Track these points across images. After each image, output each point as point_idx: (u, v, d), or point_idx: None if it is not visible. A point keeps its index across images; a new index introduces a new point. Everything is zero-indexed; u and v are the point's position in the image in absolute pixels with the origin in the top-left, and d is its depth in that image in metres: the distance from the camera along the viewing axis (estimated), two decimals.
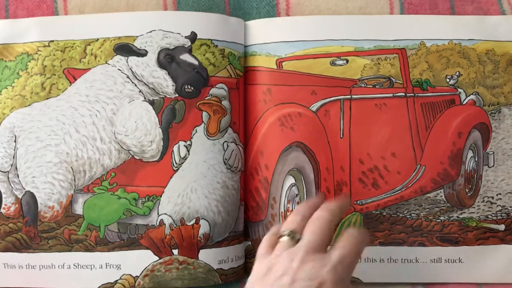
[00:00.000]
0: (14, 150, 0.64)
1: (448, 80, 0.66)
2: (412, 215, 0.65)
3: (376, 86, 0.66)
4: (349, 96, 0.66)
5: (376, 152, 0.65)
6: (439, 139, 0.66)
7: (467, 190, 0.66)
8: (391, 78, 0.66)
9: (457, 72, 0.66)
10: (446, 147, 0.66)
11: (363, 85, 0.66)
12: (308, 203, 0.53)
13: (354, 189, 0.65)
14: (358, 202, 0.65)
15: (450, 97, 0.67)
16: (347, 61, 0.66)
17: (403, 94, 0.66)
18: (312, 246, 0.47)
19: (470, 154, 0.67)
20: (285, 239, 0.49)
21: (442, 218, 0.65)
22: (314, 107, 0.65)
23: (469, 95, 0.66)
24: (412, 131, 0.66)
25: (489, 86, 0.66)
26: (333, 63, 0.66)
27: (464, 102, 0.67)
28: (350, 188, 0.65)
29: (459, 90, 0.67)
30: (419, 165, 0.65)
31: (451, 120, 0.67)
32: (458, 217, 0.65)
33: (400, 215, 0.65)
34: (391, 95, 0.66)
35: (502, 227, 0.64)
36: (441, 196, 0.66)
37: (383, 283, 0.64)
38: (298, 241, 0.48)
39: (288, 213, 0.65)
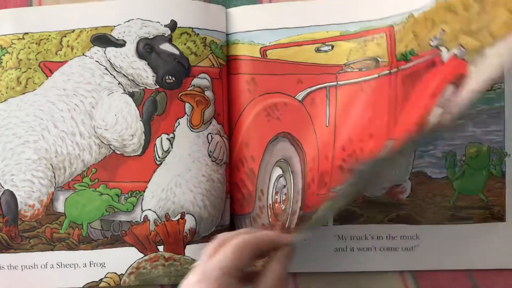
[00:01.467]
0: None
1: (431, 42, 0.60)
2: None
3: (363, 70, 0.64)
4: (334, 83, 0.64)
5: (357, 136, 0.62)
6: (412, 109, 0.60)
7: None
8: (377, 58, 0.63)
9: (441, 30, 0.59)
10: (416, 114, 0.58)
11: (349, 70, 0.64)
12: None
13: (334, 178, 0.62)
14: (332, 190, 0.62)
15: (430, 60, 0.60)
16: (332, 46, 0.64)
17: (388, 71, 0.62)
18: (219, 267, 0.44)
19: (439, 110, 0.60)
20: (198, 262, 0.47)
21: None
22: (300, 96, 0.64)
23: (451, 50, 0.58)
24: (391, 107, 0.61)
25: (473, 32, 0.55)
26: (318, 50, 0.64)
27: (446, 60, 0.59)
28: (330, 177, 0.62)
29: (441, 48, 0.59)
30: (388, 141, 0.60)
31: (427, 85, 0.60)
32: None
33: None
34: (376, 75, 0.63)
35: None
36: None
37: (369, 272, 0.63)
38: None
39: (276, 205, 0.63)
